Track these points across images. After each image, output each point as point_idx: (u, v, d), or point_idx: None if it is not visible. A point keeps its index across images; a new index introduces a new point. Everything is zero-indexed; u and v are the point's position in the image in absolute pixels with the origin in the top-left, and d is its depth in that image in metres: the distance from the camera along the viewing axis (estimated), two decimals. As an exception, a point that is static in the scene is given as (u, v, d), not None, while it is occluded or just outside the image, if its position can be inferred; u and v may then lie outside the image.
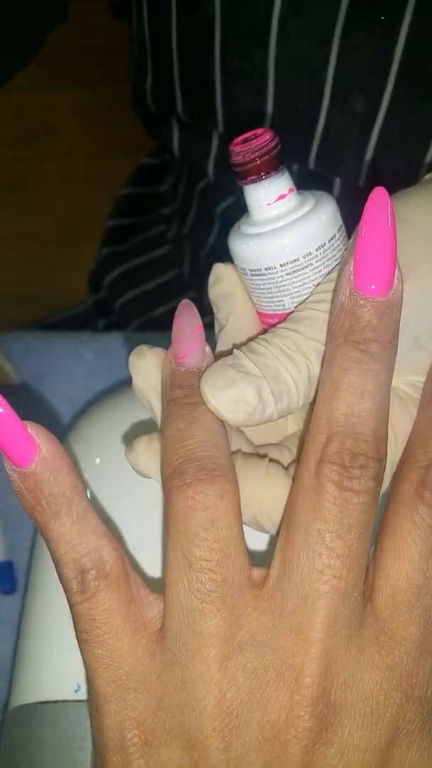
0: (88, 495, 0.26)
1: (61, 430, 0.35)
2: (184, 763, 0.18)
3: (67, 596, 0.20)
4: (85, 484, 0.27)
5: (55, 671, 0.24)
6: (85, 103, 1.21)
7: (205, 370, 0.21)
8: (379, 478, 0.19)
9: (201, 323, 0.22)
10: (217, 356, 0.22)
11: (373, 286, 0.19)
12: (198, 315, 0.22)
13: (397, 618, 0.19)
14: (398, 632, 0.19)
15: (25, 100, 1.20)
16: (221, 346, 0.23)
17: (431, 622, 0.19)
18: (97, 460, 0.28)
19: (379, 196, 0.19)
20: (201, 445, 0.20)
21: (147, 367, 0.22)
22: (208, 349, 0.22)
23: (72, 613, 0.20)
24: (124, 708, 0.19)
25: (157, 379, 0.22)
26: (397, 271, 0.19)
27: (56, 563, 0.20)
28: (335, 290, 0.20)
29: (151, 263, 0.58)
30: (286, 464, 0.22)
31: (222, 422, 0.21)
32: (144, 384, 0.22)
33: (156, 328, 0.56)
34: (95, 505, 0.26)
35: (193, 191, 0.51)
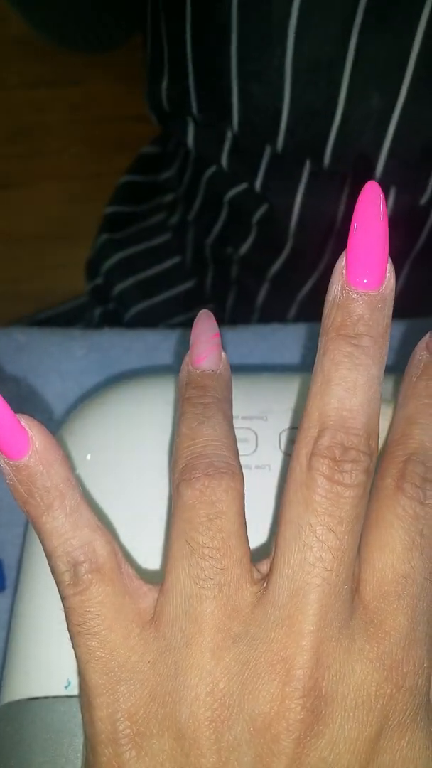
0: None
1: (53, 426, 0.35)
2: (175, 753, 0.18)
3: (59, 589, 0.20)
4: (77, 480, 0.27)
5: (45, 667, 0.24)
6: (77, 101, 1.21)
7: None
8: (369, 472, 0.19)
9: (218, 331, 0.23)
10: None
11: (365, 281, 0.19)
12: (215, 323, 0.23)
13: (385, 608, 0.19)
14: (387, 622, 0.19)
15: (16, 97, 1.20)
16: None
17: (419, 611, 0.19)
18: (89, 456, 0.28)
19: (370, 191, 0.19)
20: (211, 444, 0.21)
21: None
22: (224, 354, 0.23)
23: (64, 606, 0.20)
24: (115, 700, 0.19)
25: None
26: (388, 265, 0.19)
27: (48, 556, 0.20)
28: (329, 285, 0.20)
29: (151, 250, 0.58)
30: None
31: (231, 422, 0.22)
32: None
33: (155, 315, 0.55)
34: (87, 500, 0.26)
35: (200, 178, 0.51)
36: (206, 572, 0.19)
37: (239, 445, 0.26)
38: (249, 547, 0.20)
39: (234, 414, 0.26)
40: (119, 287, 0.57)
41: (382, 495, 0.20)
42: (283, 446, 0.26)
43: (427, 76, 0.36)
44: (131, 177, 0.62)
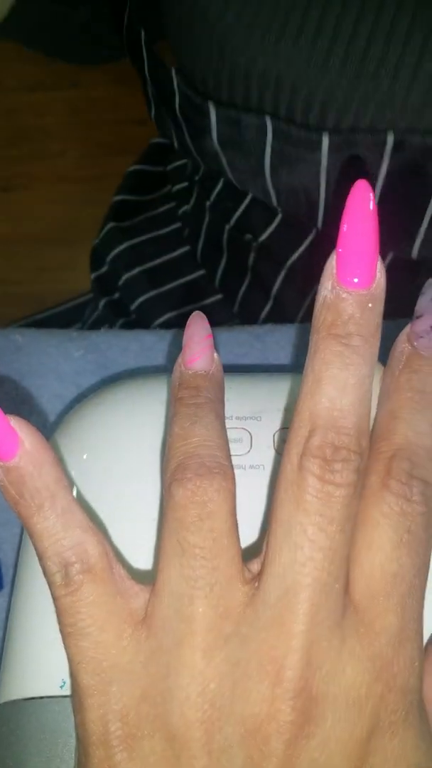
0: (75, 491, 0.26)
1: (51, 427, 0.35)
2: (166, 754, 0.18)
3: (50, 590, 0.20)
4: (72, 480, 0.27)
5: (41, 667, 0.24)
6: (76, 104, 1.21)
7: None
8: (360, 471, 0.19)
9: (210, 332, 0.23)
10: None
11: (355, 280, 0.19)
12: (208, 325, 0.23)
13: (375, 608, 0.19)
14: (377, 622, 0.19)
15: (16, 100, 1.20)
16: None
17: (408, 609, 0.19)
18: (85, 456, 0.28)
19: (360, 189, 0.19)
20: (203, 444, 0.21)
21: None
22: (216, 355, 0.23)
23: (56, 606, 0.20)
24: (107, 701, 0.19)
25: None
26: (379, 264, 0.19)
27: (40, 557, 0.20)
28: (319, 285, 0.20)
29: (159, 239, 0.57)
30: None
31: (224, 423, 0.22)
32: None
33: (162, 305, 0.55)
34: (82, 501, 0.26)
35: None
36: (197, 572, 0.19)
37: (233, 445, 0.26)
38: (240, 546, 0.20)
39: (228, 414, 0.26)
40: (125, 276, 0.56)
41: (368, 493, 0.20)
42: (277, 446, 0.26)
43: None
44: (140, 166, 0.61)
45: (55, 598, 0.20)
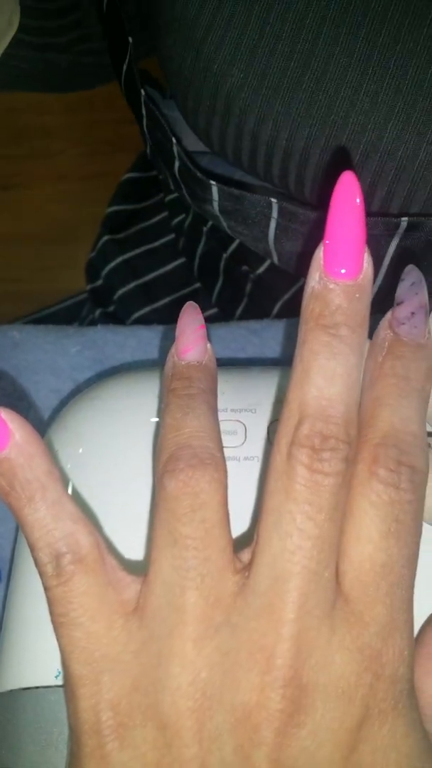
0: (71, 485, 0.27)
1: (47, 422, 0.35)
2: (158, 743, 0.18)
3: (42, 580, 0.20)
4: (68, 475, 0.27)
5: (36, 658, 0.24)
6: (77, 103, 1.21)
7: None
8: (348, 460, 0.19)
9: (204, 323, 0.23)
10: None
11: (342, 270, 0.19)
12: (201, 315, 0.23)
13: (365, 599, 0.19)
14: (367, 613, 0.19)
15: (15, 99, 1.20)
16: None
17: (398, 599, 0.19)
18: (81, 450, 0.28)
19: (347, 180, 0.19)
20: (195, 435, 0.21)
21: None
22: (209, 346, 0.23)
23: (47, 597, 0.20)
24: (98, 690, 0.19)
25: None
26: (366, 254, 0.19)
27: (31, 548, 0.20)
28: (308, 276, 0.20)
29: (153, 252, 0.57)
30: None
31: (216, 413, 0.22)
32: None
33: (159, 320, 0.55)
34: (78, 495, 0.26)
35: None
36: (189, 563, 0.19)
37: (228, 437, 0.26)
38: (231, 537, 0.20)
39: (224, 407, 0.26)
40: (120, 291, 0.56)
41: (356, 482, 0.20)
42: (271, 438, 0.26)
43: None
44: (132, 174, 0.61)
45: (46, 589, 0.20)
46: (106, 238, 0.58)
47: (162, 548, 0.20)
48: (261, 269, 0.48)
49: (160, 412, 0.22)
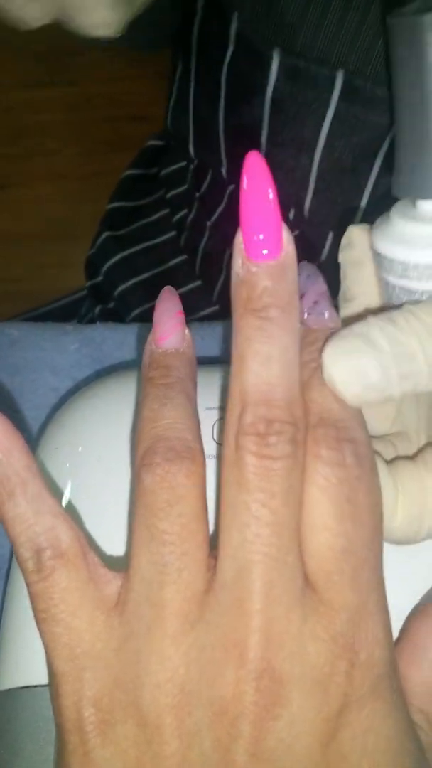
0: (70, 484, 0.27)
1: (46, 420, 0.35)
2: (138, 740, 0.18)
3: (24, 576, 0.20)
4: (67, 473, 0.27)
5: (35, 657, 0.24)
6: (74, 101, 1.21)
7: (333, 335, 0.20)
8: (296, 441, 0.19)
9: (181, 309, 0.23)
10: (345, 322, 0.21)
11: (264, 252, 0.19)
12: (179, 301, 0.23)
13: (331, 587, 0.19)
14: (335, 600, 0.18)
15: (13, 98, 1.20)
16: (345, 314, 0.23)
17: (364, 582, 0.19)
18: (80, 448, 0.28)
19: (253, 161, 0.19)
20: (172, 427, 0.20)
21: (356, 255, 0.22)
22: (188, 332, 0.23)
23: (29, 592, 0.20)
24: (81, 687, 0.19)
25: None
26: (285, 233, 0.19)
27: (13, 544, 0.20)
28: (232, 264, 0.20)
29: (154, 249, 0.57)
30: (388, 459, 0.22)
31: (194, 402, 0.21)
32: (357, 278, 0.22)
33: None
34: (78, 493, 0.26)
35: (224, 188, 0.50)
36: (166, 558, 0.19)
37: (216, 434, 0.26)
38: (208, 531, 0.20)
39: (222, 404, 0.26)
40: (120, 288, 0.56)
41: (305, 471, 0.19)
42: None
43: None
44: (133, 170, 0.60)
45: (28, 584, 0.20)
46: (106, 234, 0.58)
47: (140, 544, 0.20)
48: None
49: (139, 402, 0.21)
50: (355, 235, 0.23)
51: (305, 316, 0.21)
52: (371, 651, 0.19)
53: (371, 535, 0.19)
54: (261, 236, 0.19)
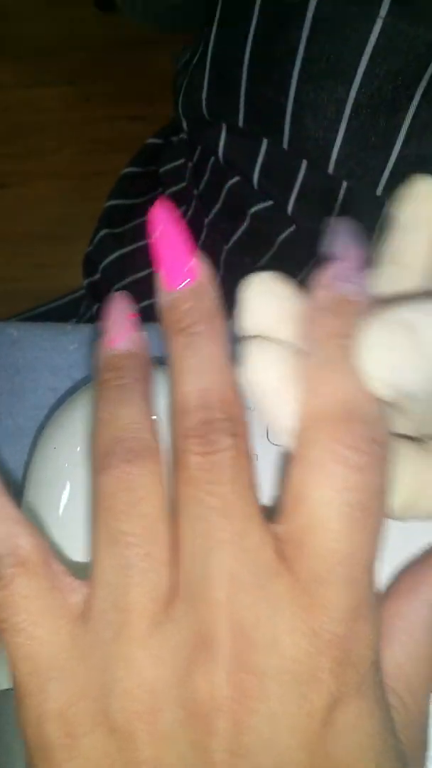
0: (68, 485, 0.26)
1: (45, 421, 0.35)
2: (108, 749, 0.18)
3: None
4: (65, 473, 0.27)
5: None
6: (72, 100, 1.21)
7: (371, 316, 0.18)
8: (237, 435, 0.19)
9: (133, 311, 0.23)
10: (383, 295, 0.20)
11: (180, 280, 0.21)
12: (131, 303, 0.23)
13: (326, 587, 0.18)
14: (329, 599, 0.18)
15: (12, 97, 1.20)
16: (386, 282, 0.21)
17: (360, 585, 0.18)
18: (79, 448, 0.28)
19: (158, 211, 0.21)
20: (128, 427, 0.20)
21: (257, 305, 0.21)
22: (142, 334, 0.23)
23: None
24: (44, 700, 0.18)
25: (269, 323, 0.21)
26: (195, 260, 0.21)
27: None
28: (156, 292, 0.22)
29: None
30: None
31: (151, 402, 0.21)
32: (251, 326, 0.21)
33: (156, 314, 0.54)
34: (77, 494, 0.26)
35: (222, 185, 0.49)
36: (130, 560, 0.19)
37: None
38: (171, 526, 0.20)
39: None
40: (118, 286, 0.56)
41: (309, 463, 0.18)
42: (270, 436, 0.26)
43: None
44: (131, 169, 0.60)
45: None
46: (104, 232, 0.58)
47: (102, 548, 0.19)
48: (264, 260, 0.47)
49: (93, 406, 0.21)
50: (424, 189, 0.20)
51: (338, 284, 0.20)
52: (358, 651, 0.18)
53: (373, 541, 0.19)
54: (176, 269, 0.21)
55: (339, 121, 0.38)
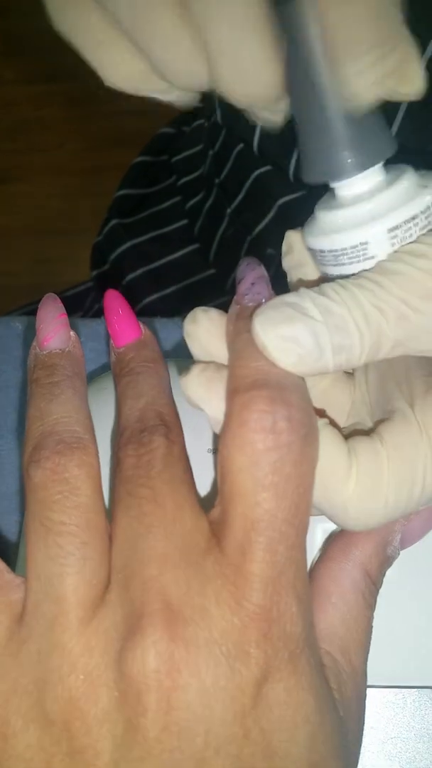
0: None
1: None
2: (44, 744, 0.18)
3: None
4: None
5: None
6: (74, 96, 1.21)
7: (261, 306, 0.20)
8: (169, 437, 0.20)
9: (64, 312, 0.24)
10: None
11: (126, 341, 0.24)
12: (61, 304, 0.24)
13: (244, 556, 0.18)
14: (246, 569, 0.18)
15: (14, 92, 1.19)
16: None
17: (279, 557, 0.18)
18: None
19: (108, 294, 0.25)
20: (59, 421, 0.21)
21: (201, 332, 0.22)
22: (73, 333, 0.24)
23: None
24: None
25: (214, 346, 0.22)
26: (138, 325, 0.24)
27: None
28: (109, 348, 0.25)
29: (164, 238, 0.55)
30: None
31: (83, 397, 0.22)
32: (200, 351, 0.22)
33: (168, 307, 0.53)
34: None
35: (248, 174, 0.48)
36: (66, 549, 0.19)
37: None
38: (107, 523, 0.20)
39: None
40: (129, 277, 0.54)
41: (228, 437, 0.19)
42: None
43: None
44: (143, 158, 0.59)
45: None
46: (114, 222, 0.57)
47: (35, 540, 0.19)
48: None
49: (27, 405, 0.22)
50: (293, 239, 0.23)
51: (242, 297, 0.21)
52: (283, 625, 0.18)
53: (293, 509, 0.18)
54: (122, 332, 0.24)
55: (398, 105, 0.37)
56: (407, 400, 0.20)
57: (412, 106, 0.36)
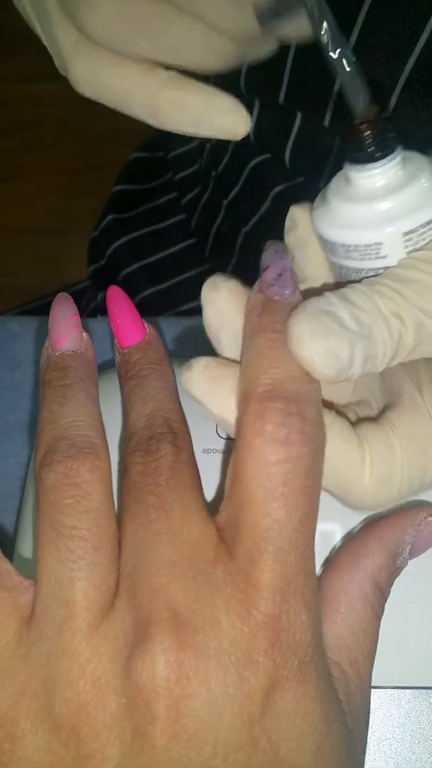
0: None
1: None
2: (53, 747, 0.18)
3: None
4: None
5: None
6: (72, 94, 1.21)
7: (296, 310, 0.19)
8: (177, 444, 0.20)
9: (76, 312, 0.24)
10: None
11: (131, 341, 0.24)
12: (74, 304, 0.24)
13: (254, 564, 0.18)
14: (256, 578, 0.18)
15: (11, 91, 1.19)
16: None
17: (289, 566, 0.18)
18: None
19: (111, 294, 0.25)
20: (72, 425, 0.21)
21: (221, 300, 0.21)
22: (85, 335, 0.24)
23: None
24: None
25: (231, 315, 0.21)
26: (142, 324, 0.24)
27: None
28: (114, 350, 0.25)
29: (160, 233, 0.55)
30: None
31: (96, 400, 0.22)
32: (216, 318, 0.21)
33: (164, 302, 0.53)
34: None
35: (244, 165, 0.48)
36: (76, 553, 0.19)
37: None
38: (117, 526, 0.20)
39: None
40: (125, 272, 0.54)
41: (242, 445, 0.19)
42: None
43: None
44: (140, 153, 0.59)
45: None
46: (111, 217, 0.57)
47: (46, 543, 0.19)
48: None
49: (39, 407, 0.22)
50: (298, 215, 0.23)
51: (268, 287, 0.21)
52: (292, 634, 0.18)
53: (303, 519, 0.19)
54: (127, 332, 0.24)
55: (389, 96, 0.37)
56: (415, 384, 0.21)
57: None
